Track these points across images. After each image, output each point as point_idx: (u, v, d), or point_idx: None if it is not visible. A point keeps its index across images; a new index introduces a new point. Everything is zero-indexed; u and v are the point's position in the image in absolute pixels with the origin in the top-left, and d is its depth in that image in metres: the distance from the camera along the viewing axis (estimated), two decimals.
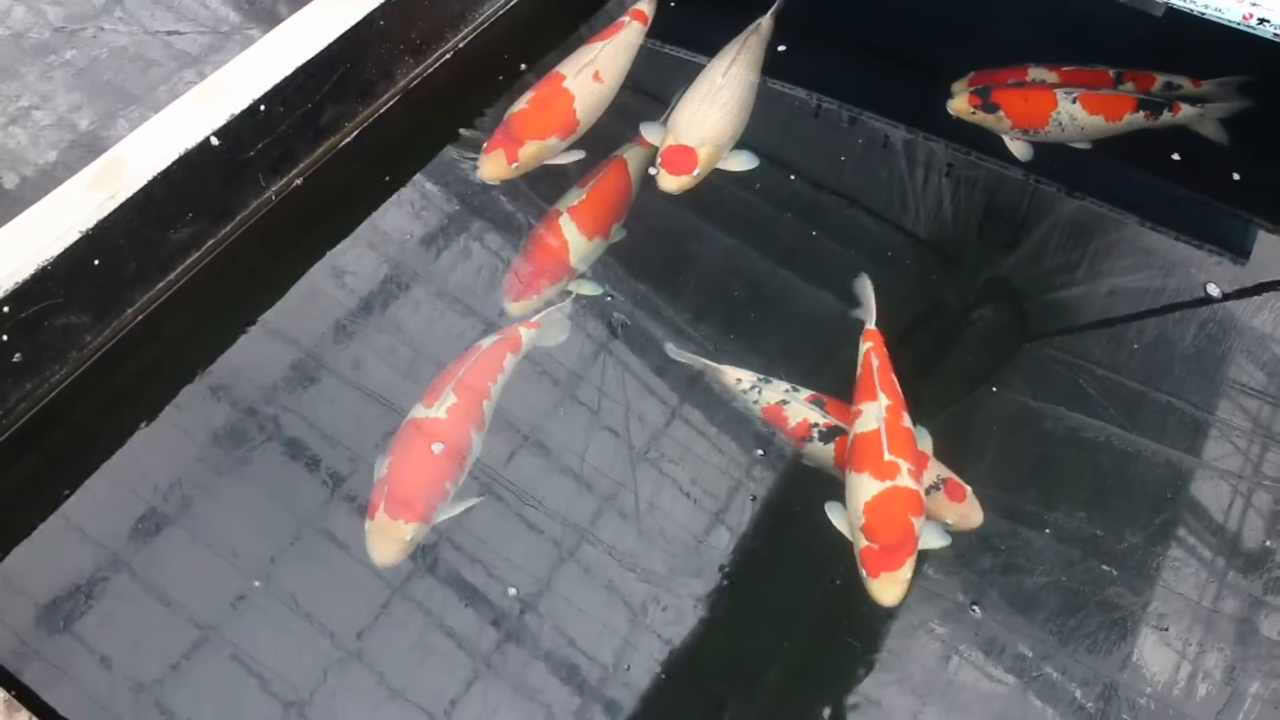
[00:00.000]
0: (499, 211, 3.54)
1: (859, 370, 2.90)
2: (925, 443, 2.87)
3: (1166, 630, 2.74)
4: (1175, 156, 3.61)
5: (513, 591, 2.76)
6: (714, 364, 3.07)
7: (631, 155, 3.50)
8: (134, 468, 2.92)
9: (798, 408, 2.94)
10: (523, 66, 3.90)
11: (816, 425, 2.89)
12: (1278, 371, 3.24)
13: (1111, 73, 3.68)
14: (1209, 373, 3.20)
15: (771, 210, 3.58)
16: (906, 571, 2.55)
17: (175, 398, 3.05)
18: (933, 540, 2.66)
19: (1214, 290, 3.32)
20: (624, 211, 3.40)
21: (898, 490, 2.61)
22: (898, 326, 3.29)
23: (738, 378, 3.03)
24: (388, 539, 2.65)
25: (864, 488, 2.64)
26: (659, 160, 3.39)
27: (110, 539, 2.79)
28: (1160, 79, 3.66)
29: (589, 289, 3.28)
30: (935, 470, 2.81)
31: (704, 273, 3.42)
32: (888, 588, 2.54)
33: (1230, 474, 3.02)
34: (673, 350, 3.15)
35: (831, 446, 2.86)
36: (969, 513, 2.78)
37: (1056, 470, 3.00)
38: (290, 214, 3.38)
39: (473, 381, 2.91)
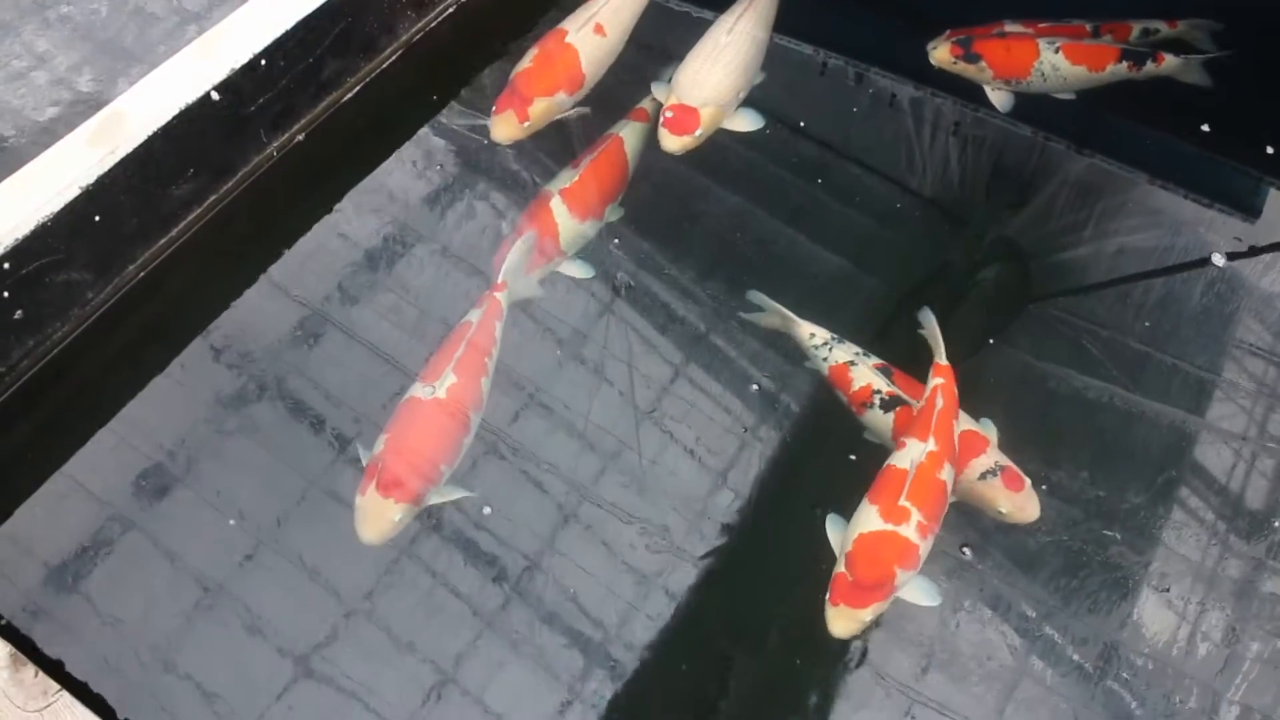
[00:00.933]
0: (503, 168, 3.52)
1: (923, 402, 2.77)
2: (989, 432, 2.83)
3: (1168, 590, 2.75)
4: (1204, 128, 3.56)
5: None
6: (790, 315, 3.02)
7: (628, 132, 3.41)
8: (138, 425, 2.92)
9: (864, 371, 2.89)
10: None
11: (879, 393, 2.84)
12: None
13: (1089, 26, 3.63)
14: (1215, 334, 3.18)
15: (778, 168, 3.55)
16: (867, 615, 2.48)
17: (179, 355, 3.04)
18: (919, 597, 2.57)
19: (1219, 260, 3.28)
20: (619, 191, 3.34)
21: (896, 537, 2.52)
22: (903, 286, 3.31)
23: (811, 333, 2.99)
24: (376, 517, 2.60)
25: (867, 519, 2.57)
26: (661, 120, 3.35)
27: (115, 497, 2.80)
28: (1137, 26, 3.62)
29: (579, 270, 3.20)
30: (994, 457, 2.74)
31: (710, 231, 3.40)
32: (841, 620, 2.48)
33: (1234, 435, 3.02)
34: (754, 296, 3.09)
35: (891, 417, 2.80)
36: (1025, 504, 2.70)
37: (1059, 430, 2.99)
38: (292, 170, 3.35)
39: (470, 359, 2.84)
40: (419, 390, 2.78)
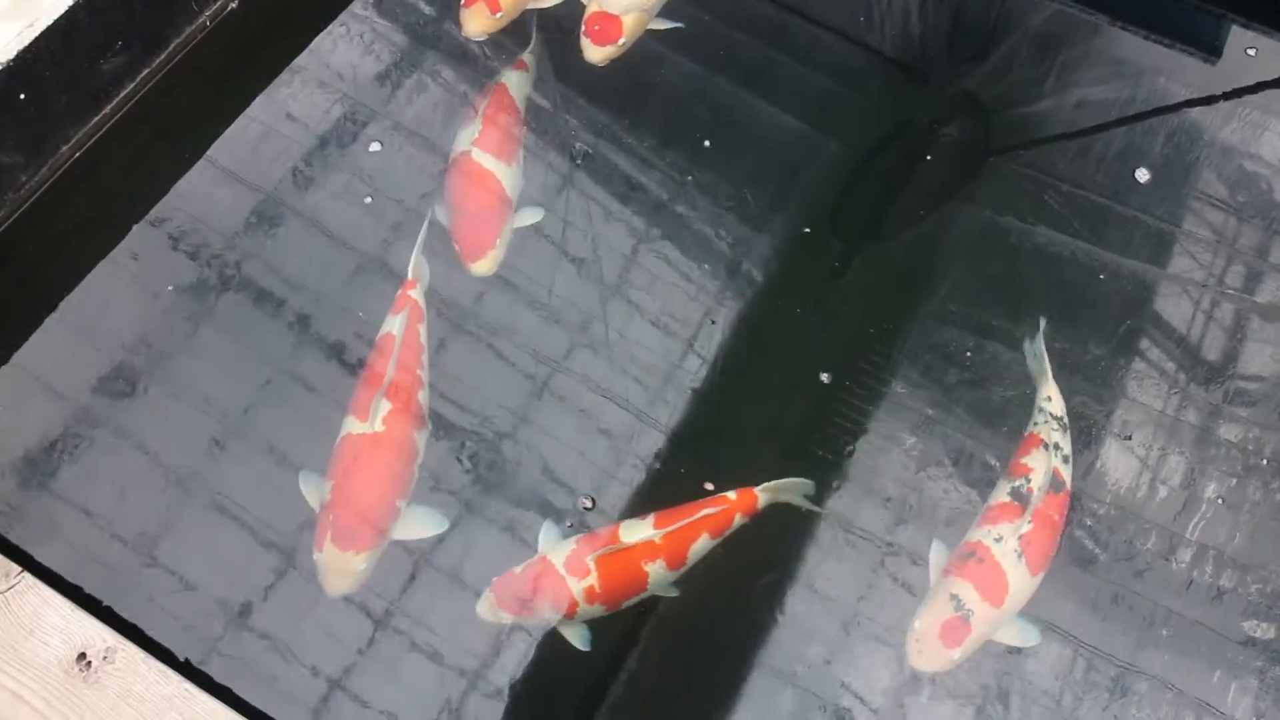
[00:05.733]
0: (451, 37, 3.38)
1: (701, 505, 2.55)
2: (1028, 637, 2.51)
3: (1129, 439, 2.79)
4: None
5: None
6: (1047, 369, 2.77)
7: (511, 80, 3.20)
8: (89, 315, 2.84)
9: (1042, 460, 2.63)
10: None
11: (1027, 481, 2.60)
12: (1243, 182, 3.23)
13: None
14: (1175, 185, 3.17)
15: (733, 32, 3.45)
16: (506, 617, 2.45)
17: (125, 240, 2.94)
18: (571, 637, 2.48)
19: (1142, 176, 3.17)
20: (522, 139, 3.15)
21: (561, 581, 2.44)
22: (864, 146, 3.26)
23: (1050, 395, 2.75)
24: (339, 572, 2.45)
25: (561, 549, 2.50)
26: (582, 29, 3.22)
27: (72, 388, 2.73)
28: None
29: (533, 215, 3.01)
30: (978, 620, 2.44)
31: (667, 98, 3.32)
32: (485, 604, 2.46)
33: (1194, 285, 3.03)
34: (1029, 348, 2.84)
35: (994, 507, 2.58)
36: (938, 658, 2.44)
37: (1022, 285, 3.00)
38: (227, 41, 3.21)
39: (401, 380, 2.64)
40: (354, 426, 2.59)
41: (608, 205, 3.11)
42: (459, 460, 2.69)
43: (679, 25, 3.35)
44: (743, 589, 2.59)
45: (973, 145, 3.29)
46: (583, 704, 2.48)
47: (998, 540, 2.53)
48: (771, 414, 2.81)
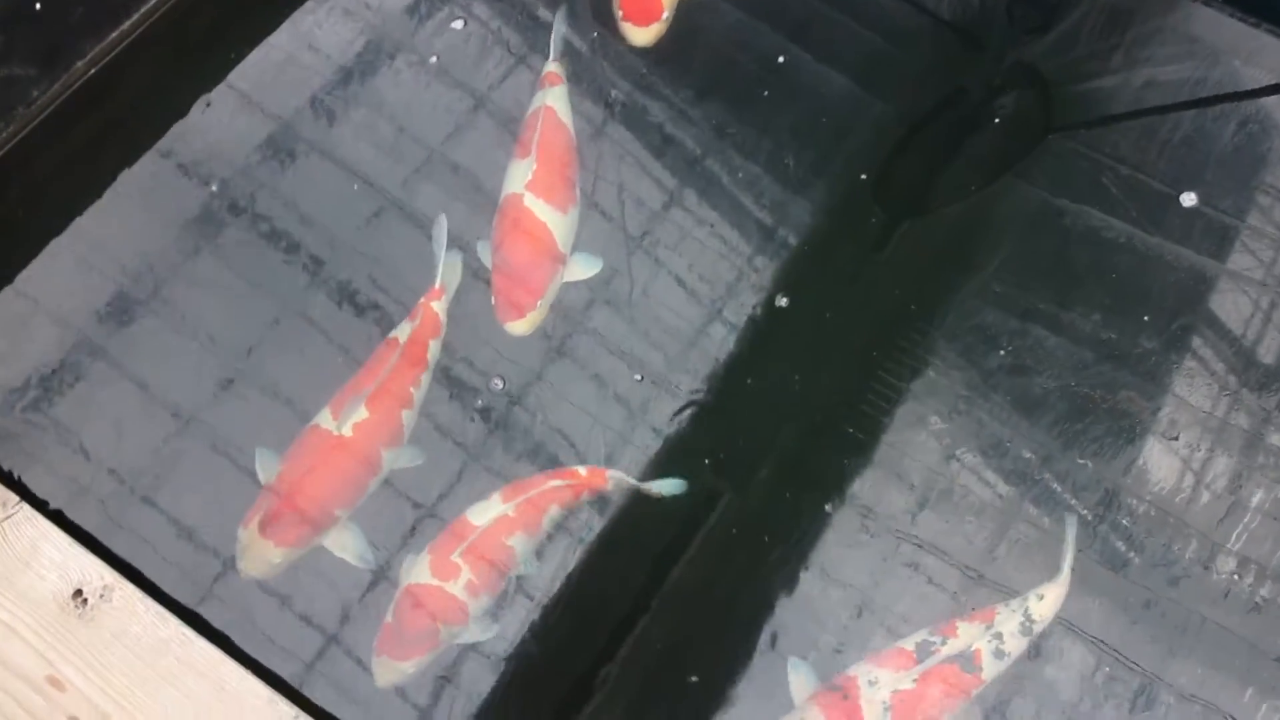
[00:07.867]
0: None
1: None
2: None
3: (1175, 439, 2.68)
4: None
5: (498, 384, 2.66)
6: (1065, 570, 2.47)
7: (553, 98, 2.91)
8: (93, 238, 2.77)
9: (972, 637, 2.36)
10: None
11: (941, 641, 2.37)
12: None
13: None
14: (1244, 177, 3.01)
15: None
16: (408, 667, 2.34)
17: (138, 164, 2.86)
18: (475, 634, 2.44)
19: (1187, 200, 2.94)
20: (577, 168, 2.87)
21: (442, 592, 2.37)
22: (913, 111, 3.11)
23: (1044, 594, 2.43)
24: (254, 556, 2.39)
25: (418, 570, 2.40)
26: (620, 13, 3.07)
27: (76, 317, 2.67)
28: None
29: (587, 267, 2.77)
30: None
31: (709, 47, 3.17)
32: (381, 670, 2.35)
33: (1254, 283, 2.89)
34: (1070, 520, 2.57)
35: (902, 652, 2.35)
36: None
37: (1073, 269, 2.86)
38: None
39: (391, 389, 2.50)
40: (325, 420, 2.48)
41: (640, 158, 2.99)
42: (469, 413, 2.62)
43: None
44: (754, 570, 2.52)
45: (1030, 120, 3.13)
46: (583, 680, 2.43)
47: (871, 684, 2.31)
48: (797, 389, 2.71)
